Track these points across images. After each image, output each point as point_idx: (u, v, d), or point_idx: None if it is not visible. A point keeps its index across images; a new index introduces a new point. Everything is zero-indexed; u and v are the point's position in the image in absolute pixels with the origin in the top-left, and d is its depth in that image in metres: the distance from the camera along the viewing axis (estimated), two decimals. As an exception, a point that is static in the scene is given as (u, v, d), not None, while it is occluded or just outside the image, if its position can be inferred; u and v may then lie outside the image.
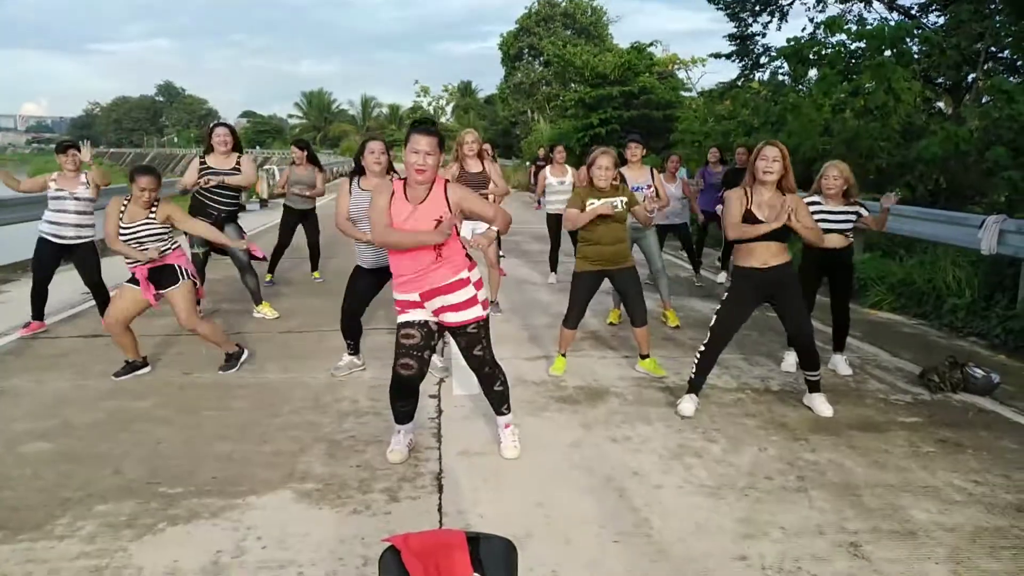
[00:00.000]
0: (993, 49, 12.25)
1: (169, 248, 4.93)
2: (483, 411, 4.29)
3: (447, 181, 3.55)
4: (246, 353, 5.29)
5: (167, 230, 4.93)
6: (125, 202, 4.84)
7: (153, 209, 4.85)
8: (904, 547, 3.01)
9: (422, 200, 3.44)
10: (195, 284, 5.03)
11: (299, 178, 8.17)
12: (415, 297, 3.54)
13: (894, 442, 4.10)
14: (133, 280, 4.84)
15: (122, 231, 4.77)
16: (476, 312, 3.58)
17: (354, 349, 5.16)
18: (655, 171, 6.61)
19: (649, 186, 6.31)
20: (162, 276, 4.86)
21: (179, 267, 4.93)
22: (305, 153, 8.35)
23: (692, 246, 8.82)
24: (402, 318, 3.58)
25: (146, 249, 4.77)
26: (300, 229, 8.40)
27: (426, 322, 3.58)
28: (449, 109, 61.89)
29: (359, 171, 4.80)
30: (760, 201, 4.21)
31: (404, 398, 3.70)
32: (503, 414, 3.87)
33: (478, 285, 3.59)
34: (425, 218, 3.42)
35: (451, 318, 3.56)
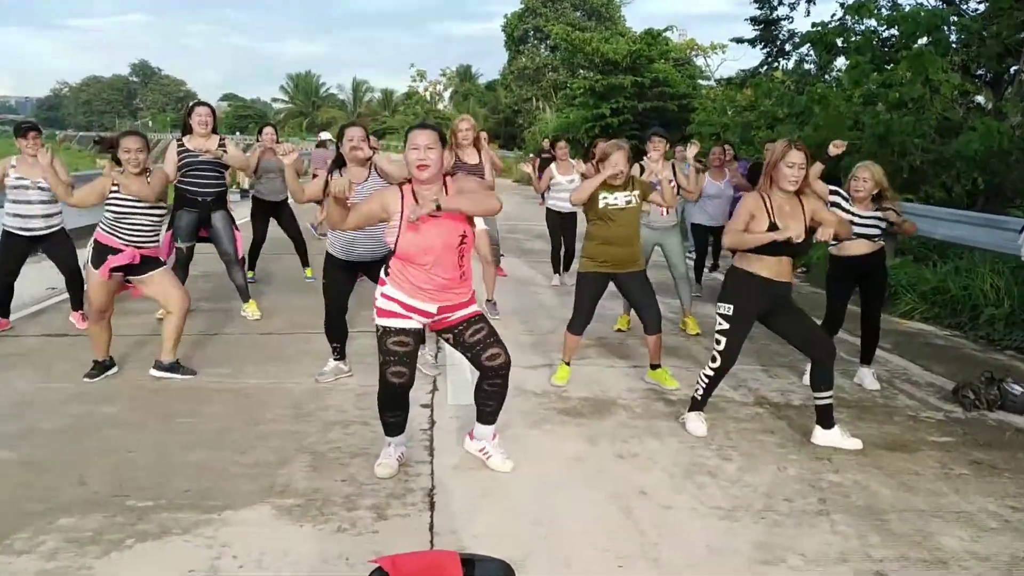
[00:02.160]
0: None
1: (158, 241, 5.02)
2: (479, 423, 4.29)
3: (453, 175, 3.56)
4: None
5: (162, 214, 4.97)
6: (116, 184, 4.80)
7: (149, 180, 4.85)
8: (933, 577, 3.02)
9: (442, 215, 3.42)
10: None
11: (270, 166, 7.97)
12: (431, 308, 3.52)
13: (924, 463, 4.10)
14: (102, 260, 4.82)
15: (120, 203, 4.78)
16: (476, 306, 3.69)
17: (340, 353, 5.17)
18: (675, 166, 6.53)
19: (671, 182, 6.29)
20: (144, 264, 4.93)
21: (161, 260, 5.09)
22: (276, 137, 8.21)
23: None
24: (393, 323, 3.54)
25: (135, 232, 4.83)
26: (274, 224, 8.33)
27: (418, 329, 3.60)
28: (447, 95, 62.00)
29: (341, 163, 4.78)
30: (780, 208, 4.11)
31: (395, 408, 3.71)
32: (490, 423, 3.86)
33: (474, 292, 3.76)
34: (451, 230, 3.42)
35: (458, 314, 3.59)
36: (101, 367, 5.05)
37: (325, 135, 13.17)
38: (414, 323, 3.56)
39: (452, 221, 3.43)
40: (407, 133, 3.41)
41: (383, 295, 3.56)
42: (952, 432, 4.57)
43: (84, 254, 6.44)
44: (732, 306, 4.22)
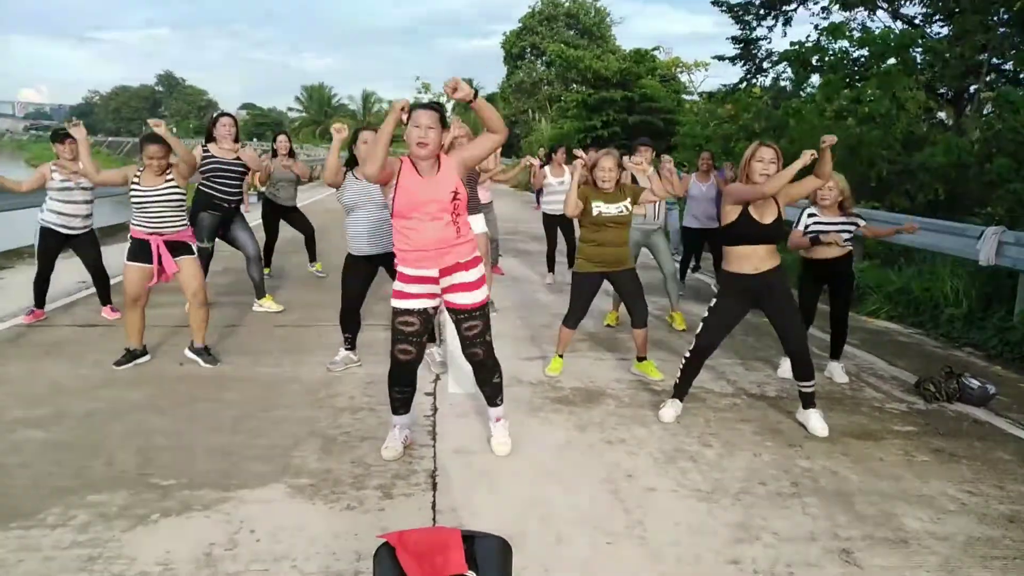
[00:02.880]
0: (996, 60, 12.29)
1: (185, 224, 5.02)
2: (478, 410, 4.30)
3: (447, 153, 3.58)
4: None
5: (183, 196, 4.96)
6: (139, 170, 4.87)
7: (169, 178, 4.87)
8: (896, 555, 3.03)
9: (435, 174, 3.47)
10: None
11: (282, 176, 7.97)
12: (433, 272, 3.52)
13: (888, 450, 4.11)
14: (136, 253, 4.86)
15: (138, 193, 4.80)
16: (484, 292, 3.66)
17: (351, 344, 5.17)
18: (659, 171, 6.53)
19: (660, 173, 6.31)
20: (175, 249, 4.94)
21: (191, 244, 5.06)
22: (289, 143, 8.20)
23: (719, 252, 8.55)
24: (400, 304, 3.56)
25: (157, 218, 4.83)
26: (284, 224, 8.32)
27: (424, 309, 3.60)
28: (449, 107, 61.89)
29: (354, 162, 4.82)
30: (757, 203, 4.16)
31: (402, 384, 3.72)
32: (497, 405, 3.91)
33: (480, 260, 3.70)
34: (442, 189, 3.45)
35: (462, 299, 3.59)
36: (131, 355, 5.04)
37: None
38: (421, 304, 3.56)
39: (444, 178, 3.46)
40: (411, 110, 3.41)
41: (397, 277, 3.61)
42: (914, 422, 4.59)
43: (109, 252, 6.45)
44: (716, 299, 4.34)
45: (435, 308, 3.67)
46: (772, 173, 4.05)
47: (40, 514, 3.09)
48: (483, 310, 3.67)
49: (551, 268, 8.77)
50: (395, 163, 3.48)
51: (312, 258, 8.59)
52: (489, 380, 3.85)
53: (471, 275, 3.59)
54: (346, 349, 5.17)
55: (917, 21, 14.57)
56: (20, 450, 3.69)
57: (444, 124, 3.47)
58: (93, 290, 6.48)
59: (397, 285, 3.59)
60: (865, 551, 3.05)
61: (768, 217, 4.15)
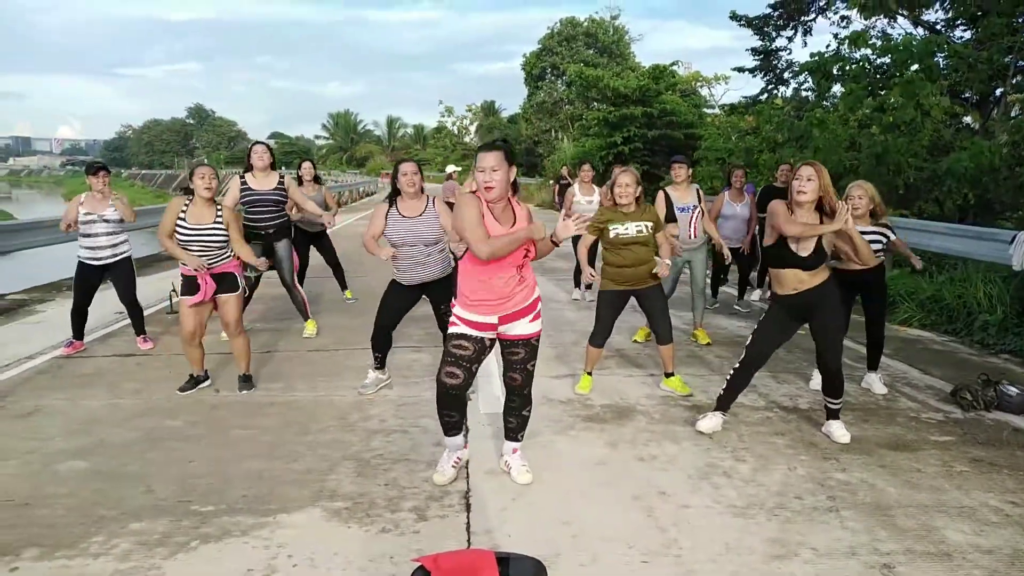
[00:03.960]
0: (1022, 63, 12.10)
1: (230, 256, 5.06)
2: (510, 430, 4.29)
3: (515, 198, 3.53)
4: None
5: (227, 237, 5.02)
6: (187, 202, 4.93)
7: (219, 213, 4.95)
8: (939, 569, 2.96)
9: (512, 222, 3.43)
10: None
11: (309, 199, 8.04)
12: (492, 320, 3.48)
13: (926, 461, 4.03)
14: (187, 289, 4.93)
15: (184, 231, 4.86)
16: (539, 325, 3.61)
17: (380, 363, 5.18)
18: (700, 192, 6.49)
19: (695, 207, 6.27)
20: (223, 281, 5.00)
21: (237, 276, 5.10)
22: (314, 170, 8.28)
23: (747, 270, 8.47)
24: (459, 329, 3.50)
25: (201, 254, 4.87)
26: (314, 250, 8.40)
27: (481, 338, 3.52)
28: (473, 128, 62.37)
29: (397, 193, 4.82)
30: (798, 217, 4.10)
31: (448, 408, 3.62)
32: (517, 440, 3.83)
33: (539, 299, 3.64)
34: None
35: (518, 330, 3.53)
36: (195, 381, 5.18)
37: (451, 168, 12.93)
38: (475, 332, 3.50)
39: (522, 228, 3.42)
40: (477, 152, 3.38)
41: (453, 317, 3.55)
42: (952, 432, 4.49)
43: (145, 281, 6.55)
44: (768, 313, 4.35)
45: (492, 341, 3.59)
46: (808, 191, 4.01)
47: (83, 543, 3.13)
48: (534, 342, 3.61)
49: (577, 283, 8.77)
50: (477, 203, 3.38)
51: (343, 287, 8.67)
52: (519, 411, 3.75)
53: (529, 317, 3.55)
54: (375, 369, 5.19)
55: (939, 27, 14.42)
56: (64, 480, 3.74)
57: (511, 161, 3.36)
58: (129, 321, 6.58)
59: (459, 311, 3.52)
60: (907, 566, 2.98)
61: (805, 250, 4.09)
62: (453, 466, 3.78)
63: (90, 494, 3.59)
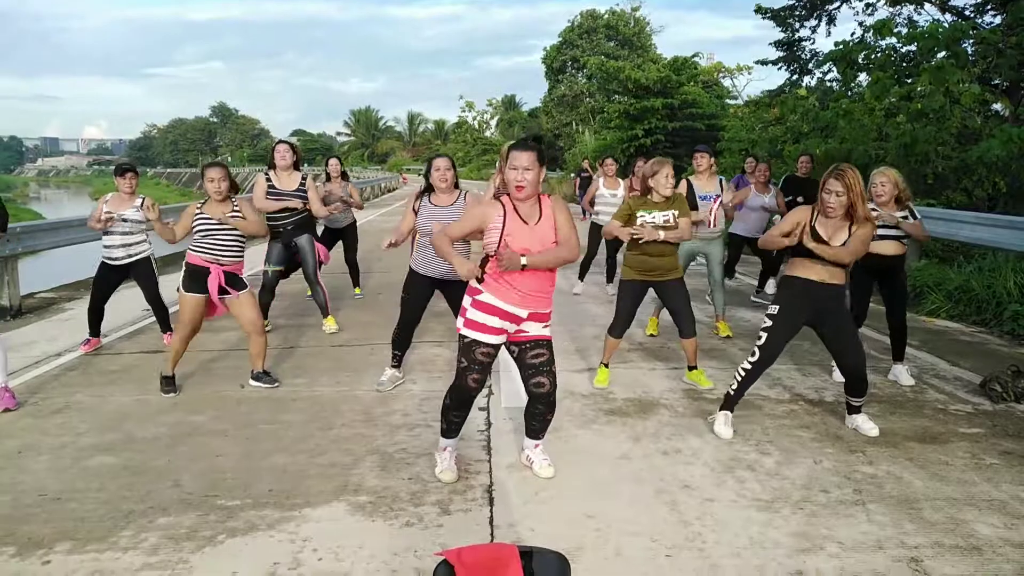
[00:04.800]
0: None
1: (241, 256, 5.10)
2: (532, 424, 4.29)
3: (549, 196, 3.51)
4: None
5: (243, 237, 5.06)
6: (200, 205, 4.98)
7: (236, 208, 4.99)
8: (969, 563, 2.92)
9: (537, 220, 3.41)
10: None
11: (331, 200, 7.95)
12: (523, 313, 3.45)
13: (955, 454, 3.98)
14: (192, 283, 4.96)
15: (204, 222, 4.90)
16: (550, 331, 3.63)
17: (398, 362, 5.22)
18: (724, 183, 6.50)
19: (717, 196, 6.27)
20: (232, 281, 5.02)
21: (243, 277, 5.13)
22: (340, 167, 8.35)
23: (775, 261, 8.34)
24: (485, 338, 3.45)
25: (215, 247, 4.91)
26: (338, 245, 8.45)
27: (498, 344, 3.52)
28: (494, 123, 62.38)
29: (430, 188, 4.85)
30: (826, 222, 4.06)
31: (463, 409, 3.65)
32: (539, 439, 3.81)
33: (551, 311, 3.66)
34: (545, 237, 3.39)
35: (536, 331, 3.52)
36: (169, 381, 5.09)
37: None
38: (499, 339, 3.49)
39: (545, 228, 3.41)
40: (508, 149, 3.36)
41: (476, 305, 3.45)
42: (981, 424, 4.43)
43: (169, 280, 6.62)
44: (777, 307, 4.22)
45: (502, 342, 3.59)
46: (836, 207, 3.95)
47: (112, 537, 3.18)
48: (551, 342, 3.61)
49: (581, 277, 8.73)
50: (491, 214, 3.39)
51: (355, 284, 8.73)
52: (543, 415, 3.70)
53: (544, 323, 3.56)
54: (392, 366, 5.22)
55: (967, 12, 14.16)
56: (95, 475, 3.81)
57: (542, 162, 3.35)
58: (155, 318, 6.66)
59: (479, 316, 3.45)
60: (935, 559, 2.95)
61: (837, 242, 4.03)
62: (455, 463, 3.78)
63: (119, 488, 3.64)
